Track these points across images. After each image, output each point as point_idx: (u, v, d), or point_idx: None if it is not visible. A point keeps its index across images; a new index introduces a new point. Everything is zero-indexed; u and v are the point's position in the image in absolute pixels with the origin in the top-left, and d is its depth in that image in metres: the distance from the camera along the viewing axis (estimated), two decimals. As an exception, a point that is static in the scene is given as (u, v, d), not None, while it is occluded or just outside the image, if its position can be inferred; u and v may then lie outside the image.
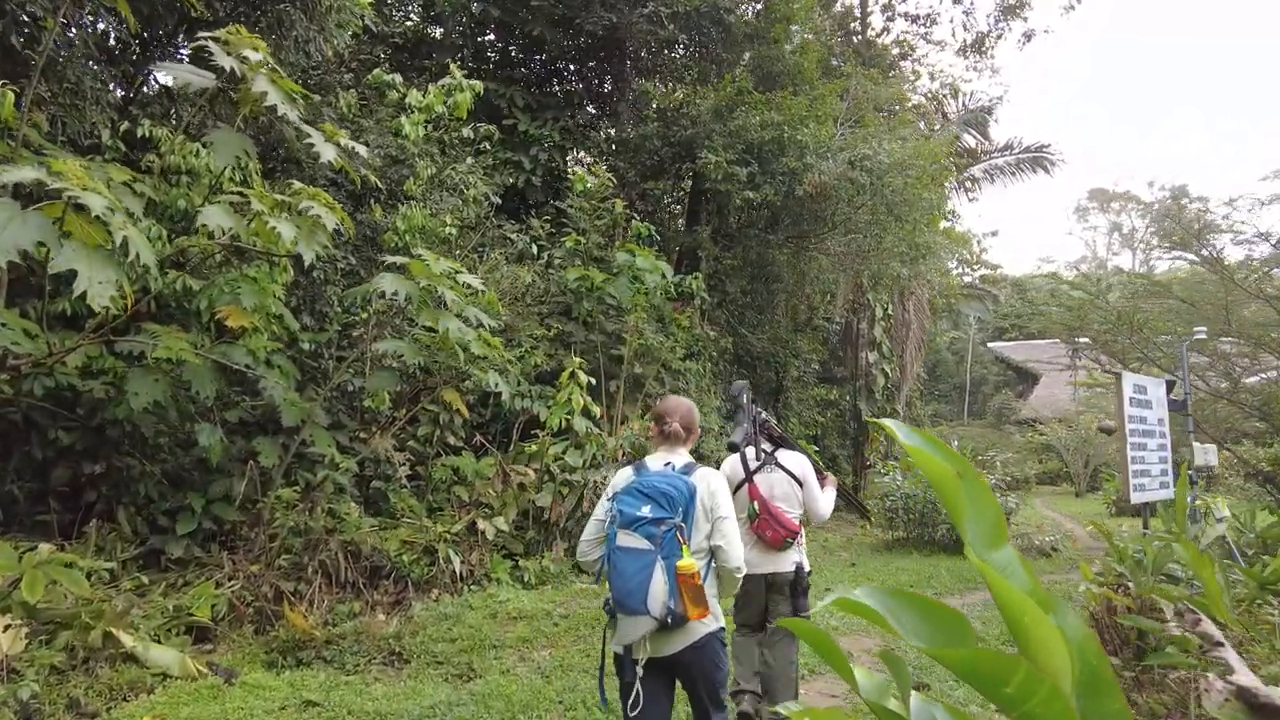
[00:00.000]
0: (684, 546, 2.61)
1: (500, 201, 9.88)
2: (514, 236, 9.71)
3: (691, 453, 3.04)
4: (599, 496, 7.42)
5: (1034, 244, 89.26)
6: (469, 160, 9.19)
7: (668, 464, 2.86)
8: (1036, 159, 18.38)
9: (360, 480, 7.26)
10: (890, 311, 18.45)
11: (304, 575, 5.64)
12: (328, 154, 4.94)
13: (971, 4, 17.24)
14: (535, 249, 9.71)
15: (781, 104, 10.83)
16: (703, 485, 2.77)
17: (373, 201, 8.32)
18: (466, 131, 9.14)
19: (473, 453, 8.03)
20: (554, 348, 9.37)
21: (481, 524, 6.47)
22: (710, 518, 2.75)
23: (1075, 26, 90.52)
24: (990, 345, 37.85)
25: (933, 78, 18.77)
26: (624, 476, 2.86)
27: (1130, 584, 4.70)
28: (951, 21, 19.11)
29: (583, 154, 12.83)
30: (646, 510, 2.63)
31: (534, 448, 7.39)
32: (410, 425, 7.87)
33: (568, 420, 7.42)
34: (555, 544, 6.87)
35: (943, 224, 14.36)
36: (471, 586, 6.20)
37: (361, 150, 5.41)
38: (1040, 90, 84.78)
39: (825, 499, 4.08)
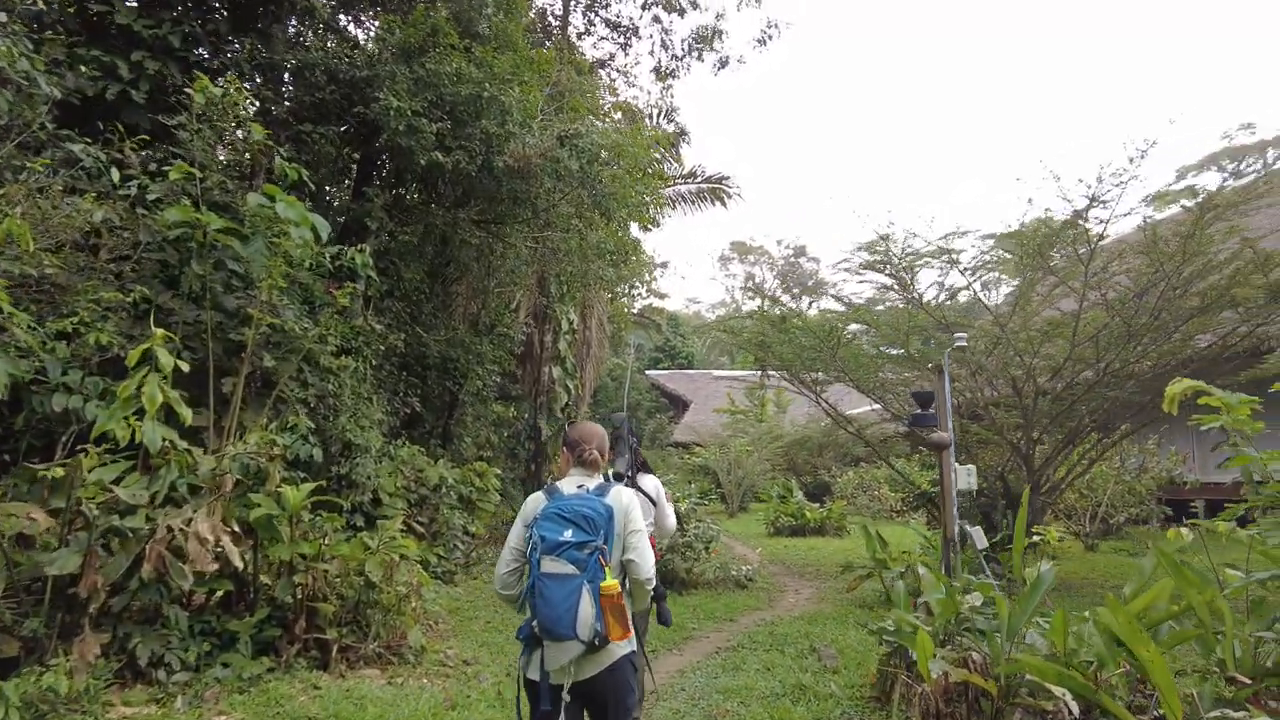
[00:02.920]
0: (606, 568, 2.62)
1: (66, 98, 6.62)
2: (80, 152, 6.49)
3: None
4: (174, 549, 4.80)
5: (683, 286, 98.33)
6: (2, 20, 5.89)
7: (580, 487, 2.84)
8: (716, 190, 18.93)
9: None
10: (575, 326, 17.54)
11: None
12: None
13: (670, 23, 17.13)
14: (118, 176, 6.56)
15: (484, 59, 9.01)
16: (618, 504, 2.78)
17: None
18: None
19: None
20: (138, 325, 6.36)
21: (-77, 614, 3.47)
22: (625, 533, 2.77)
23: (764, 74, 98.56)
24: (648, 373, 40.16)
25: (620, 107, 18.40)
26: (536, 502, 2.81)
27: (977, 654, 3.70)
28: (651, 39, 19.02)
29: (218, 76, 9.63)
30: (569, 534, 2.61)
31: (59, 471, 4.43)
32: None
33: (137, 427, 4.68)
34: (84, 639, 4.00)
35: (635, 232, 13.65)
36: None
37: None
38: (722, 133, 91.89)
39: (672, 516, 4.29)
